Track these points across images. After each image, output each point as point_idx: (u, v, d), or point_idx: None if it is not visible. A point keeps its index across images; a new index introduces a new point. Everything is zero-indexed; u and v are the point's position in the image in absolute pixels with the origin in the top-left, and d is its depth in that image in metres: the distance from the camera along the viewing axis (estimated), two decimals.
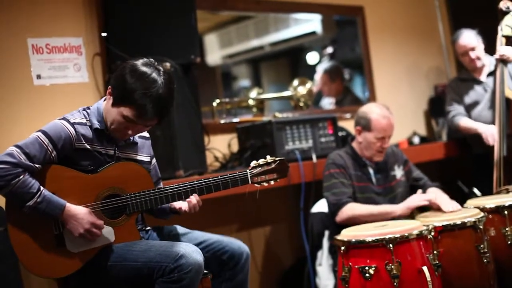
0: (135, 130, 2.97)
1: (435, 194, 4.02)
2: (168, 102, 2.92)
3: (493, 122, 4.83)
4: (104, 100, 3.03)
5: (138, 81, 2.84)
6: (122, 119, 2.90)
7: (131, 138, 3.11)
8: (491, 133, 4.77)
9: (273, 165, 3.14)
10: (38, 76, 3.89)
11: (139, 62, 2.92)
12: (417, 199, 3.92)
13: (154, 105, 2.85)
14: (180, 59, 4.03)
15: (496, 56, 4.79)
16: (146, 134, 3.25)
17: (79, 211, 2.85)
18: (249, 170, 3.11)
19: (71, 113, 2.99)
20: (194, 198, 3.07)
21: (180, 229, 3.29)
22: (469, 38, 5.07)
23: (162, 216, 3.30)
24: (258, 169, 3.12)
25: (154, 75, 2.88)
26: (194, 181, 3.06)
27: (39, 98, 3.88)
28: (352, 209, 3.89)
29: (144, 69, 2.88)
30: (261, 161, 3.14)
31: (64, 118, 2.94)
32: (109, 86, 2.95)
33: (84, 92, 4.03)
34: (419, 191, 4.13)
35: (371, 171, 4.11)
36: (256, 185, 3.13)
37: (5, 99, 3.77)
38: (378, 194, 4.06)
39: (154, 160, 3.30)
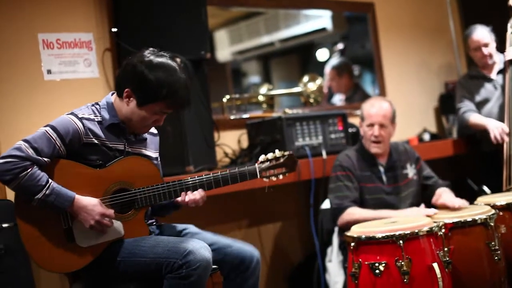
0: (162, 120, 3.02)
1: (442, 196, 3.99)
2: (190, 82, 3.00)
3: (503, 120, 4.82)
4: (112, 94, 3.04)
5: (160, 75, 2.87)
6: (153, 115, 2.94)
7: (140, 134, 3.12)
8: (499, 132, 4.75)
9: (281, 160, 3.12)
10: (49, 71, 3.91)
11: (148, 55, 2.93)
12: (419, 213, 3.81)
13: (183, 90, 2.92)
14: (191, 54, 4.03)
15: (506, 58, 4.78)
16: (154, 130, 3.26)
17: (89, 202, 2.86)
18: (258, 164, 3.10)
19: (79, 108, 2.99)
20: (197, 193, 3.04)
21: (192, 228, 3.26)
22: (483, 33, 5.05)
23: (162, 212, 3.28)
24: (267, 164, 3.11)
25: (169, 62, 2.93)
26: (202, 176, 3.05)
27: (49, 93, 3.90)
28: (351, 214, 3.88)
29: (158, 60, 2.91)
30: (269, 155, 3.12)
31: (72, 113, 2.94)
32: (126, 89, 2.93)
33: (94, 87, 4.04)
34: (422, 205, 4.05)
35: (381, 169, 4.09)
36: (265, 179, 3.12)
37: (15, 94, 3.79)
38: (389, 194, 4.04)
39: (158, 158, 3.30)
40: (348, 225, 3.77)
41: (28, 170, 2.74)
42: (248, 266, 3.15)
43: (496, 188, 4.60)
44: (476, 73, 5.21)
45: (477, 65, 5.21)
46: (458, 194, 4.04)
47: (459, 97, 5.20)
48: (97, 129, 2.95)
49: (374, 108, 4.06)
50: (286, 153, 3.15)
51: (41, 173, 2.77)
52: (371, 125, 4.04)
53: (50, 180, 2.79)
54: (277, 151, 3.15)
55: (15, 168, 2.73)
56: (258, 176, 3.09)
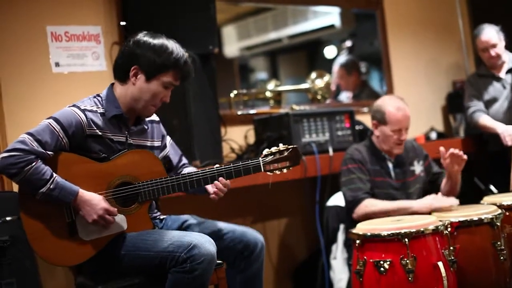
0: (168, 96, 3.04)
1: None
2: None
3: (511, 119, 4.80)
4: (113, 84, 3.07)
5: (163, 46, 2.95)
6: (162, 88, 2.97)
7: (141, 124, 3.12)
8: (509, 134, 4.75)
9: (285, 153, 3.10)
10: (57, 64, 3.91)
11: (145, 36, 3.00)
12: (440, 201, 3.83)
13: (186, 60, 3.00)
14: (199, 49, 4.03)
15: None
16: (155, 117, 3.25)
17: (93, 197, 2.86)
18: (262, 158, 3.08)
19: (81, 101, 3.00)
20: (219, 183, 3.05)
21: (195, 218, 3.28)
22: (491, 34, 5.03)
23: (197, 192, 3.26)
24: (271, 157, 3.09)
25: (171, 41, 3.01)
26: (206, 169, 3.05)
27: (57, 85, 3.90)
28: (368, 205, 3.86)
29: (157, 37, 2.99)
30: (273, 149, 3.11)
31: (74, 105, 2.95)
32: (133, 67, 2.96)
33: (102, 80, 4.03)
34: (440, 194, 4.04)
35: (390, 165, 4.08)
36: (268, 173, 3.10)
37: (23, 86, 3.79)
38: (396, 189, 4.03)
39: (168, 138, 3.31)
40: (365, 217, 3.77)
41: (33, 164, 2.74)
42: (253, 251, 3.15)
43: (503, 188, 4.58)
44: (485, 72, 5.20)
45: (485, 64, 5.20)
46: (465, 192, 4.03)
47: (468, 96, 5.19)
48: (99, 121, 2.95)
49: (400, 112, 3.96)
50: (290, 146, 3.13)
51: (45, 167, 2.78)
52: (399, 130, 4.00)
53: (54, 174, 2.79)
54: (281, 144, 3.14)
55: (19, 162, 2.73)
56: (262, 170, 3.07)
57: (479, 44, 5.11)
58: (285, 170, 3.11)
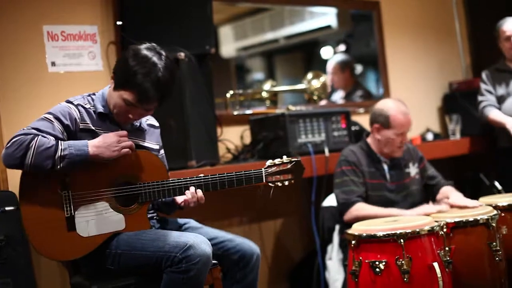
0: (136, 114, 2.97)
1: (450, 195, 4.00)
2: (168, 86, 2.93)
3: None
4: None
5: (138, 64, 2.85)
6: (122, 102, 2.92)
7: (138, 124, 3.12)
8: None
9: (288, 166, 3.14)
10: (53, 63, 3.91)
11: (142, 47, 2.93)
12: (429, 209, 3.85)
13: (154, 88, 2.86)
14: (195, 49, 4.02)
15: None
16: (155, 122, 3.26)
17: (100, 138, 2.87)
18: (264, 168, 3.12)
19: (74, 97, 3.02)
20: (199, 192, 3.05)
21: (193, 223, 3.29)
22: None
23: (165, 210, 3.29)
24: (274, 169, 3.13)
25: (155, 59, 2.88)
26: (208, 176, 3.05)
27: (53, 85, 3.90)
28: (359, 209, 3.87)
29: (145, 52, 2.89)
30: (277, 160, 3.14)
31: (67, 101, 2.98)
32: (113, 71, 2.97)
33: (98, 80, 4.03)
34: (430, 203, 4.06)
35: (385, 167, 4.08)
36: (270, 184, 3.13)
37: (19, 86, 3.79)
38: (392, 191, 4.03)
39: (162, 151, 3.31)
40: (355, 221, 3.77)
41: (36, 138, 2.74)
42: (248, 262, 3.16)
43: (510, 184, 4.60)
44: (503, 66, 5.20)
45: (505, 58, 5.19)
46: (466, 189, 4.04)
47: (481, 89, 5.18)
48: (91, 117, 2.97)
49: (405, 116, 3.98)
50: (294, 160, 3.16)
51: (48, 137, 2.78)
52: (402, 133, 4.00)
53: (58, 140, 2.80)
54: (284, 157, 3.17)
55: (23, 142, 2.73)
56: (264, 181, 3.11)
57: (501, 34, 5.09)
58: (286, 183, 3.16)
